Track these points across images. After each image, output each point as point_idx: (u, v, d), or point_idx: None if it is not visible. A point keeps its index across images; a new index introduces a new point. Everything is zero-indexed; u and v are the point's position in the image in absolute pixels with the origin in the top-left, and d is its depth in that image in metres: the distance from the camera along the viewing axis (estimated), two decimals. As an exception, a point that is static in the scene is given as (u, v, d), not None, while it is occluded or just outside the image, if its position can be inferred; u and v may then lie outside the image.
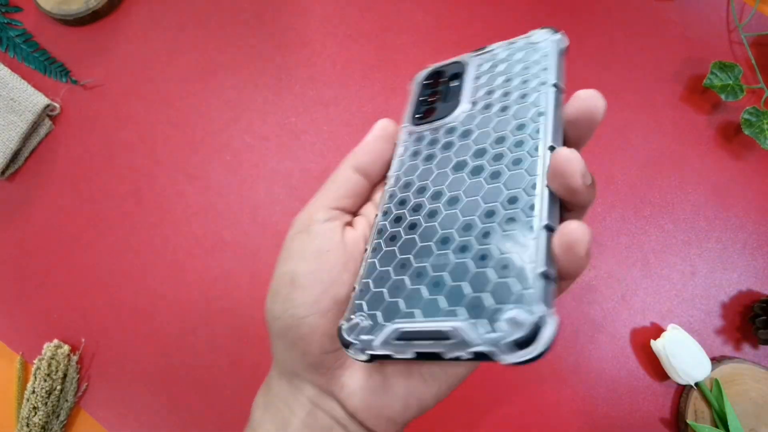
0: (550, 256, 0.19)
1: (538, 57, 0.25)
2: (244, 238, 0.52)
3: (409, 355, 0.20)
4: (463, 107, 0.26)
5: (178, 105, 0.56)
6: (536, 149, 0.21)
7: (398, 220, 0.24)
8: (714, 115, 0.55)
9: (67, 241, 0.53)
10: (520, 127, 0.23)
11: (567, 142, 0.23)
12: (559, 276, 0.20)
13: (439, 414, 0.49)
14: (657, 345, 0.48)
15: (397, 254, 0.23)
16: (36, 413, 0.47)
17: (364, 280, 0.23)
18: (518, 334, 0.17)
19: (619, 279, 0.51)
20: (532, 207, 0.20)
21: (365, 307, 0.22)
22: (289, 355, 0.24)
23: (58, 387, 0.48)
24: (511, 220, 0.20)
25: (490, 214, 0.21)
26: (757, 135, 0.51)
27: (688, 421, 0.46)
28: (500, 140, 0.23)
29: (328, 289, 0.23)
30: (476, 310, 0.19)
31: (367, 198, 0.27)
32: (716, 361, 0.49)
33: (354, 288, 0.23)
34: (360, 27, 0.57)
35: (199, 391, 0.49)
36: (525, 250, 0.19)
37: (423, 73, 0.29)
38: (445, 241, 0.21)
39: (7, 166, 0.53)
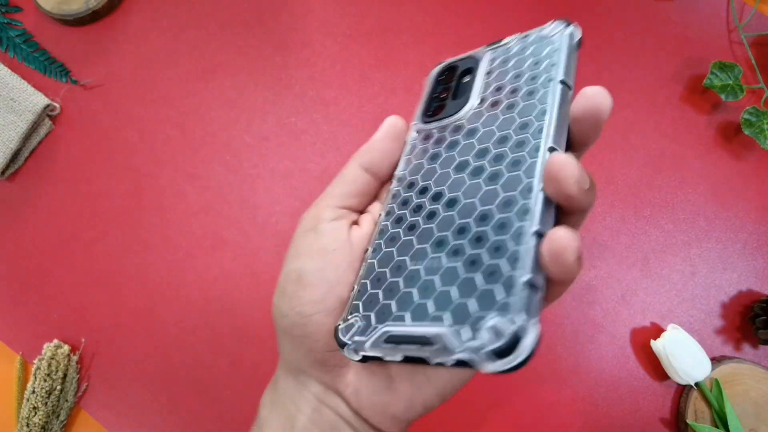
0: (538, 264, 0.18)
1: (548, 51, 0.24)
2: (244, 238, 0.52)
3: (397, 358, 0.20)
4: (472, 104, 0.25)
5: (178, 105, 0.56)
6: (537, 150, 0.21)
7: (399, 221, 0.24)
8: (714, 115, 0.55)
9: (67, 241, 0.53)
10: (523, 126, 0.22)
11: (573, 142, 0.22)
12: (550, 282, 0.19)
13: (439, 414, 0.49)
14: (657, 345, 0.48)
15: (395, 256, 0.22)
16: (36, 413, 0.47)
17: (363, 281, 0.23)
18: (497, 344, 0.17)
19: (619, 279, 0.51)
20: (526, 212, 0.19)
21: (361, 308, 0.22)
22: (296, 352, 0.24)
23: (58, 387, 0.48)
24: (504, 225, 0.20)
25: (484, 217, 0.21)
26: (757, 135, 0.51)
27: (688, 421, 0.46)
28: (503, 140, 0.22)
29: (333, 288, 0.23)
30: (460, 317, 0.19)
31: (374, 196, 0.27)
32: (716, 361, 0.49)
33: (353, 288, 0.23)
34: (360, 27, 0.57)
35: (199, 391, 0.49)
36: (513, 256, 0.19)
37: (437, 69, 0.29)
38: (440, 244, 0.21)
39: (7, 166, 0.53)
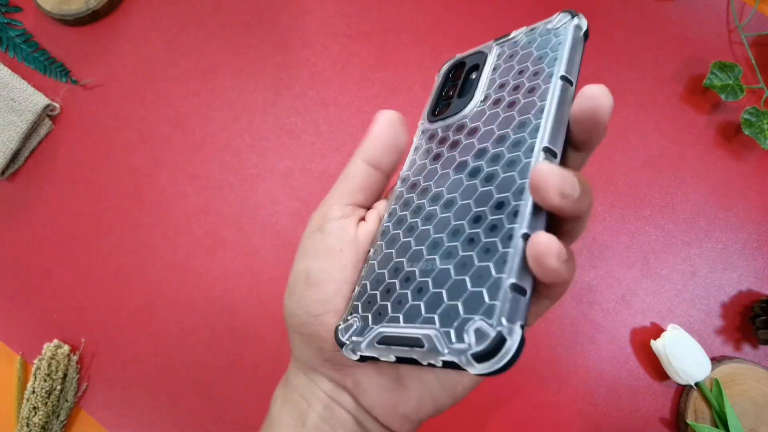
0: (525, 268, 0.18)
1: (552, 44, 0.23)
2: (244, 238, 0.52)
3: (391, 359, 0.20)
4: (475, 102, 0.24)
5: (178, 105, 0.56)
6: (531, 150, 0.20)
7: (400, 222, 0.24)
8: (714, 115, 0.55)
9: (67, 241, 0.53)
10: (521, 125, 0.21)
11: (577, 141, 0.22)
12: (542, 285, 0.19)
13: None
14: (657, 345, 0.48)
15: (393, 257, 0.22)
16: (36, 413, 0.47)
17: (364, 282, 0.23)
18: (480, 347, 0.17)
19: (619, 279, 0.51)
20: (515, 214, 0.19)
21: (360, 309, 0.22)
22: (306, 349, 0.25)
23: (58, 387, 0.48)
24: (495, 227, 0.20)
25: (477, 219, 0.20)
26: (757, 135, 0.51)
27: (688, 421, 0.46)
28: (501, 139, 0.22)
29: (340, 288, 0.24)
30: (449, 319, 0.19)
31: (381, 190, 0.27)
32: (716, 361, 0.49)
33: (354, 288, 0.24)
34: (360, 27, 0.57)
35: (199, 391, 0.49)
36: (502, 258, 0.19)
37: (447, 65, 0.28)
38: (434, 245, 0.21)
39: (7, 166, 0.53)
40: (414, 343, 0.19)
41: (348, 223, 0.25)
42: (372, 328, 0.21)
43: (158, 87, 0.56)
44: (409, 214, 0.23)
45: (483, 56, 0.26)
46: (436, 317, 0.19)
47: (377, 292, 0.22)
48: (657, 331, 0.50)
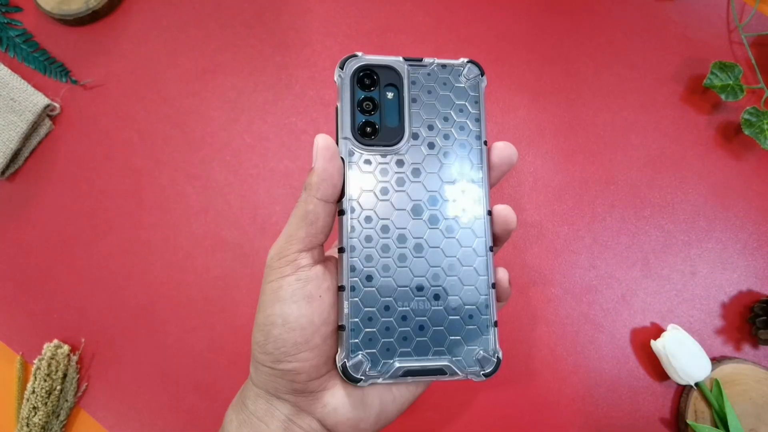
0: (495, 306, 0.27)
1: (469, 100, 0.27)
2: (244, 238, 0.52)
3: (408, 380, 0.26)
4: (407, 137, 0.27)
5: (178, 105, 0.56)
6: (480, 215, 0.27)
7: (369, 259, 0.25)
8: (714, 115, 0.55)
9: (67, 241, 0.53)
10: (464, 189, 0.27)
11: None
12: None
13: (440, 413, 0.49)
14: (657, 345, 0.48)
15: (379, 296, 0.25)
16: (36, 413, 0.47)
17: (353, 320, 0.25)
18: (488, 369, 0.26)
19: (619, 279, 0.51)
20: (483, 266, 0.27)
21: (362, 347, 0.25)
22: (275, 382, 0.26)
23: (58, 387, 0.48)
24: (468, 277, 0.26)
25: (451, 267, 0.26)
26: (757, 135, 0.51)
27: (688, 421, 0.46)
28: (448, 191, 0.27)
29: (318, 329, 0.25)
30: (457, 351, 0.26)
31: (333, 220, 0.27)
32: (716, 361, 0.49)
33: (342, 325, 0.25)
34: (360, 27, 0.57)
35: (199, 391, 0.49)
36: (484, 303, 0.26)
37: (353, 66, 0.27)
38: (420, 288, 0.26)
39: (7, 166, 0.53)
40: (437, 372, 0.25)
41: (321, 270, 0.26)
42: (386, 362, 0.25)
43: (158, 87, 0.56)
44: (378, 251, 0.26)
45: (397, 76, 0.27)
46: (446, 350, 0.26)
47: (375, 330, 0.25)
48: (657, 331, 0.50)
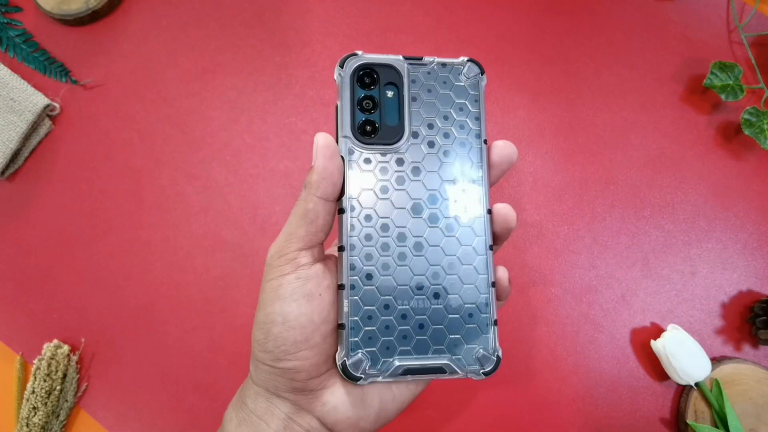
0: (495, 305, 0.27)
1: (470, 98, 0.27)
2: (244, 238, 0.52)
3: (407, 379, 0.26)
4: (407, 136, 0.27)
5: (178, 105, 0.56)
6: (481, 214, 0.27)
7: (369, 257, 0.26)
8: (714, 115, 0.55)
9: (67, 241, 0.53)
10: (465, 189, 0.27)
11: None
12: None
13: (439, 413, 0.49)
14: (657, 345, 0.48)
15: (378, 294, 0.25)
16: (36, 413, 0.47)
17: (353, 318, 0.25)
18: (488, 368, 0.26)
19: (619, 279, 0.51)
20: (483, 265, 0.26)
21: (362, 345, 0.25)
22: (274, 380, 0.26)
23: (58, 387, 0.48)
24: (468, 275, 0.26)
25: (451, 266, 0.26)
26: (757, 135, 0.51)
27: (688, 421, 0.46)
28: (449, 190, 0.26)
29: (318, 328, 0.25)
30: (456, 349, 0.26)
31: (334, 218, 0.27)
32: (716, 361, 0.49)
33: (342, 324, 0.25)
34: (360, 27, 0.57)
35: (199, 391, 0.49)
36: (484, 302, 0.26)
37: (353, 64, 0.27)
38: (419, 286, 0.26)
39: (7, 166, 0.53)
40: (437, 370, 0.25)
41: (321, 268, 0.26)
42: (386, 361, 0.25)
43: (158, 87, 0.56)
44: (378, 250, 0.26)
45: (397, 74, 0.27)
46: (446, 348, 0.26)
47: (375, 329, 0.25)
48: (657, 331, 0.50)
